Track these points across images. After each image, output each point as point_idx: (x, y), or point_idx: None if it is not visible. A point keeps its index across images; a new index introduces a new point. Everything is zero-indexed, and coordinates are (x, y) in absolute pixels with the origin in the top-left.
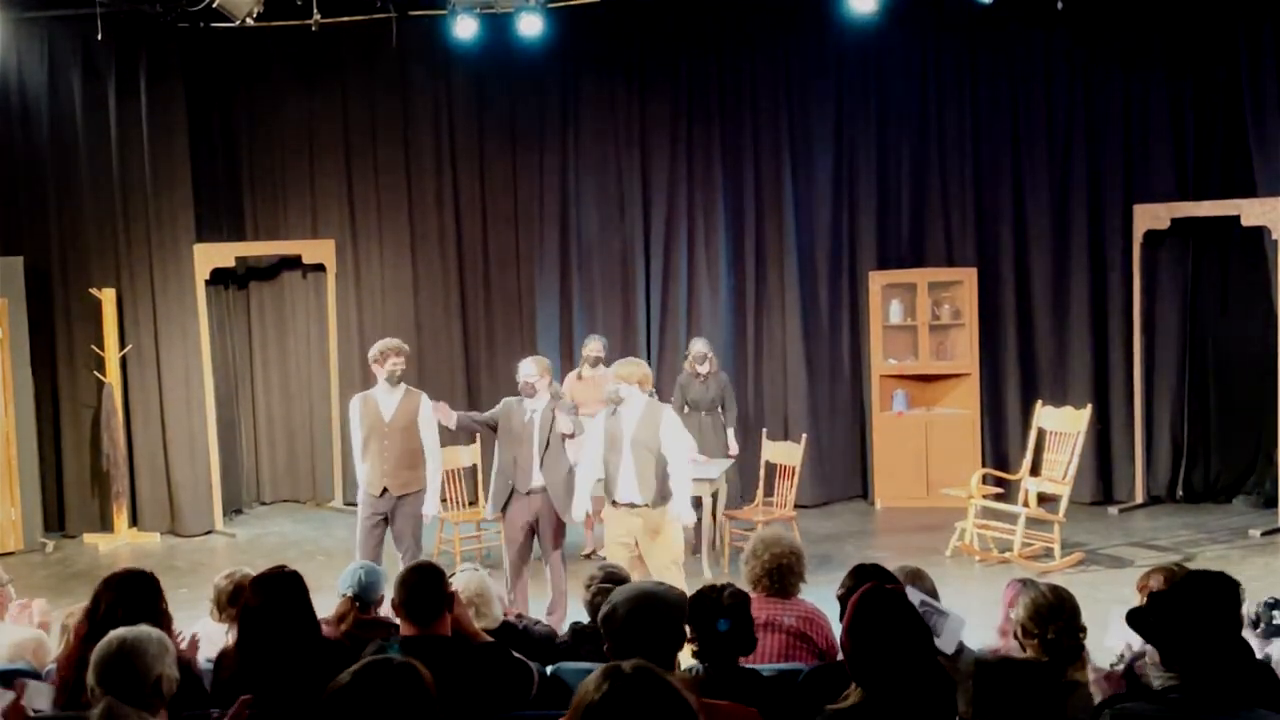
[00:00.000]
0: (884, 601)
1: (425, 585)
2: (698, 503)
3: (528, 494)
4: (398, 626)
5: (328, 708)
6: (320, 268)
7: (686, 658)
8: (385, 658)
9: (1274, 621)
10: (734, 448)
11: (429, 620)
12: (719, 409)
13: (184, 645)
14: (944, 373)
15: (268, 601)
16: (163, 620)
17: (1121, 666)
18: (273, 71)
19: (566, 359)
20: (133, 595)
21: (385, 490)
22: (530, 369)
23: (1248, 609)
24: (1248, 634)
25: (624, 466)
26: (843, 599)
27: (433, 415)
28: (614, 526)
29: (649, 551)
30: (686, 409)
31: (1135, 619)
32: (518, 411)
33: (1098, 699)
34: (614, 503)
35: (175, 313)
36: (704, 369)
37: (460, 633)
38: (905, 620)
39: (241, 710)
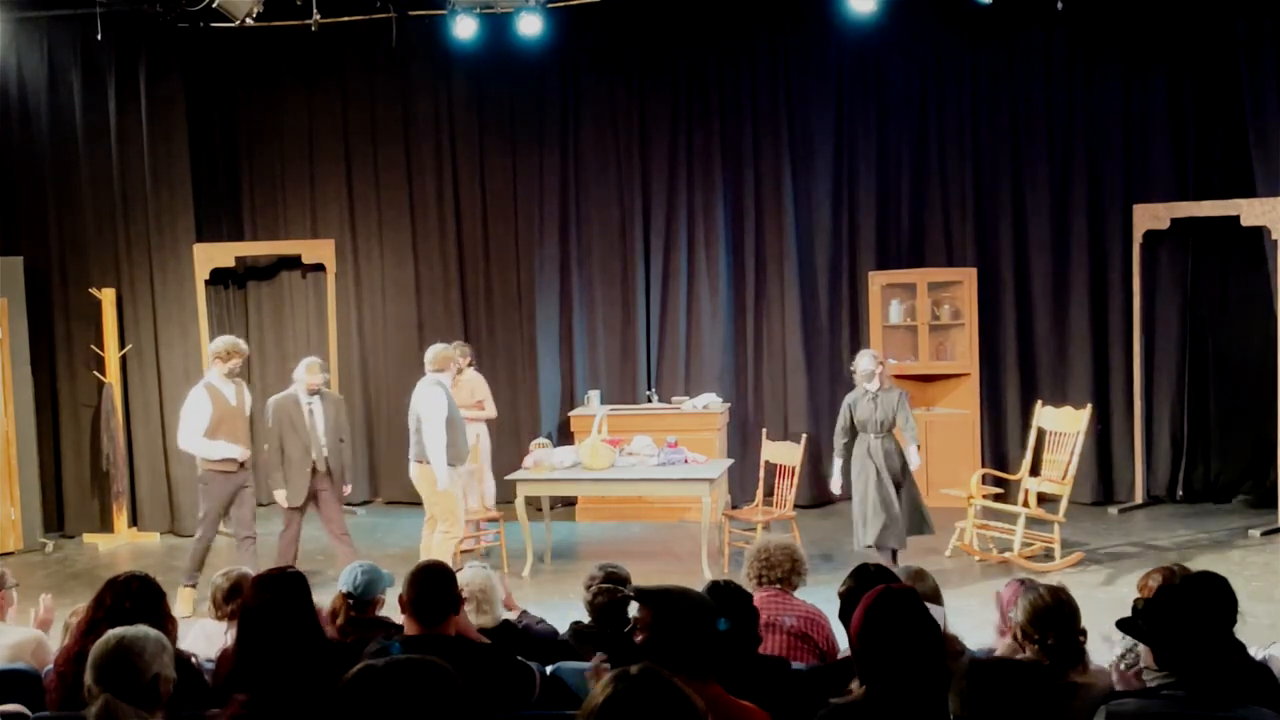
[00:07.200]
0: (898, 601)
1: (436, 585)
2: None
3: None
4: (397, 626)
5: (345, 708)
6: (320, 267)
7: None
8: (416, 656)
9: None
10: (914, 461)
11: (436, 620)
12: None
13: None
14: (944, 373)
15: (269, 601)
16: (166, 624)
17: (1123, 665)
18: (273, 71)
19: (566, 358)
20: (140, 597)
21: (243, 464)
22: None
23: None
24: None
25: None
26: (844, 595)
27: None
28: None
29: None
30: (856, 430)
31: (1127, 624)
32: (295, 408)
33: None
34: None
35: (175, 313)
36: (872, 386)
37: (462, 634)
38: (918, 621)
39: (236, 709)
